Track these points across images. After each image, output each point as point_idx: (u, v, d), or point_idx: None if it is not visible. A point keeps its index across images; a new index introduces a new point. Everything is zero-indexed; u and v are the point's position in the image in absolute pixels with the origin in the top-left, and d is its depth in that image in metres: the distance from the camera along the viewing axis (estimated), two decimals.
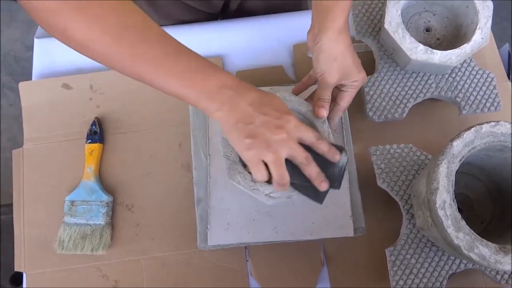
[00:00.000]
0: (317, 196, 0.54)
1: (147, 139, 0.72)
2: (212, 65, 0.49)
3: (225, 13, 0.86)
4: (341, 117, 0.67)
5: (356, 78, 0.58)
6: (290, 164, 0.51)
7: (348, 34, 0.57)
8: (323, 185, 0.52)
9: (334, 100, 0.61)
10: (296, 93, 0.63)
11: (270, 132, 0.48)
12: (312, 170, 0.51)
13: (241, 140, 0.49)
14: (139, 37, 0.45)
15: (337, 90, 0.61)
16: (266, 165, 0.50)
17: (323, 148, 0.52)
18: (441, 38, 0.72)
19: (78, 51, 0.46)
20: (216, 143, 0.65)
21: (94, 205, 0.68)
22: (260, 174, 0.50)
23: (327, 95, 0.58)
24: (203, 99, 0.48)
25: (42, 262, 0.67)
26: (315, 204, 0.61)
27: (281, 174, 0.49)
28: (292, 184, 0.52)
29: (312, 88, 0.63)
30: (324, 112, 0.58)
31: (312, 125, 0.59)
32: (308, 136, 0.51)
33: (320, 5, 0.56)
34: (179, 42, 0.48)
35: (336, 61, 0.56)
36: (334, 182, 0.54)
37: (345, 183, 0.63)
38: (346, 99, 0.60)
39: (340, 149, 0.54)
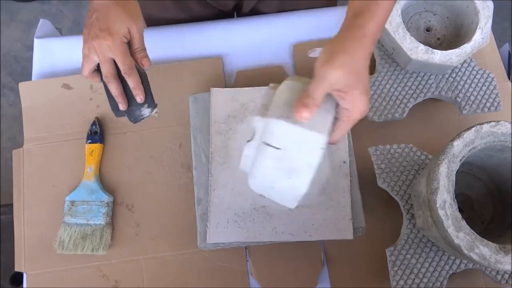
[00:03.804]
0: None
1: (147, 139, 0.72)
2: None
3: (238, 14, 0.86)
4: None
5: None
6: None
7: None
8: (121, 104, 0.57)
9: None
10: None
11: (94, 33, 0.54)
12: (113, 88, 0.56)
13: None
14: None
15: None
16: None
17: (131, 82, 0.56)
18: (441, 38, 0.72)
19: None
20: (217, 143, 0.65)
21: (94, 205, 0.68)
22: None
23: None
24: None
25: (42, 262, 0.67)
26: (315, 206, 0.62)
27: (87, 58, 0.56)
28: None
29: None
30: None
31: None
32: (120, 61, 0.54)
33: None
34: None
35: None
36: (131, 116, 0.59)
37: (345, 185, 0.63)
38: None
39: (152, 104, 0.58)
